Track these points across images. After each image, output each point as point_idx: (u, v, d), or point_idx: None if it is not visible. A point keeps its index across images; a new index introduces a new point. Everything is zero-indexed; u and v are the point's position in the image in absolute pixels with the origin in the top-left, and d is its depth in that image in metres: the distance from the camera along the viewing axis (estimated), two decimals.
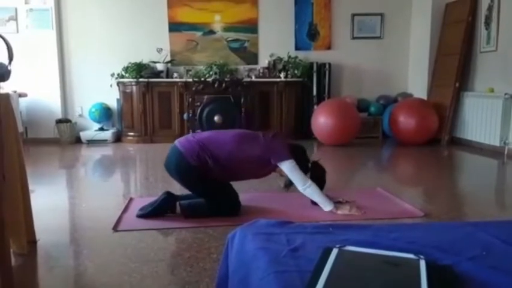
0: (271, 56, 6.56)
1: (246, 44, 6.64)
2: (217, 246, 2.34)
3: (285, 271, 1.15)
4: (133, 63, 6.21)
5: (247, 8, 6.57)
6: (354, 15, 6.71)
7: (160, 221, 2.75)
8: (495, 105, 5.21)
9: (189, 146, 2.75)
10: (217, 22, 6.57)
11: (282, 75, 6.32)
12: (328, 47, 6.75)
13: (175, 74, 6.35)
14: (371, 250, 1.21)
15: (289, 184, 2.96)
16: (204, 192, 2.85)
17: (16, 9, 6.17)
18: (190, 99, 6.06)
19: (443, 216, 2.87)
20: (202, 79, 6.12)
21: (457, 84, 5.81)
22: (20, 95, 5.96)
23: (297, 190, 2.89)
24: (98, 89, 6.43)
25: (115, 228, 2.65)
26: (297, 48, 6.66)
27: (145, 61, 6.33)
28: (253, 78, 6.35)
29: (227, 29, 6.59)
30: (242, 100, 6.06)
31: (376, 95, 6.77)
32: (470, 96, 5.73)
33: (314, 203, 2.94)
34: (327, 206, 2.85)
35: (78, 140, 6.35)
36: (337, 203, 2.95)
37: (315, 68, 6.48)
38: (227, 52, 6.61)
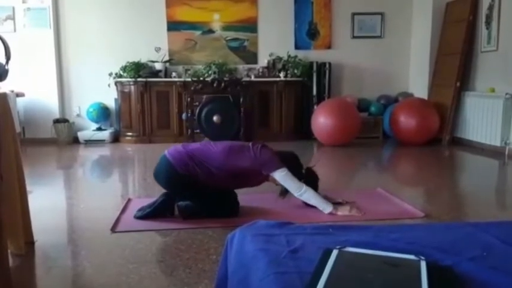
0: (270, 55, 6.54)
1: (246, 43, 6.63)
2: (216, 247, 2.33)
3: (285, 272, 1.14)
4: (131, 63, 6.19)
5: (246, 7, 6.56)
6: (354, 14, 6.70)
7: (158, 222, 2.73)
8: (496, 105, 5.20)
9: (179, 156, 2.73)
10: (216, 21, 6.56)
11: (282, 74, 6.31)
12: (328, 47, 6.74)
13: (173, 74, 6.33)
14: (371, 251, 1.21)
15: (284, 192, 2.95)
16: (197, 199, 2.81)
17: (13, 8, 6.15)
18: (188, 99, 6.04)
19: (444, 217, 2.86)
20: (201, 79, 6.11)
21: (458, 84, 5.80)
22: (18, 95, 5.95)
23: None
24: (96, 88, 6.42)
25: (113, 229, 2.64)
26: (296, 47, 6.65)
27: (143, 60, 6.32)
28: (253, 78, 6.34)
29: (226, 28, 6.57)
30: (241, 100, 6.05)
31: (377, 95, 6.76)
32: (471, 96, 5.71)
33: (311, 206, 2.91)
34: (326, 208, 2.83)
35: (75, 140, 6.33)
36: (337, 204, 2.94)
37: (314, 68, 6.47)
38: (226, 51, 6.60)
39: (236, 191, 2.93)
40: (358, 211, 2.87)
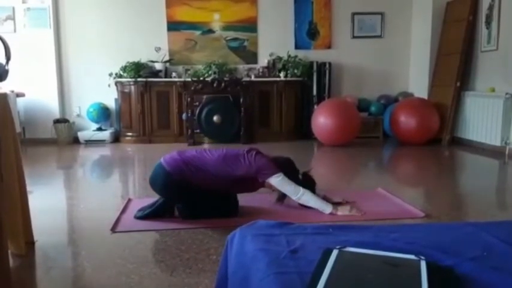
0: (270, 55, 6.54)
1: (246, 43, 6.63)
2: (216, 247, 2.32)
3: (285, 272, 1.14)
4: (131, 63, 6.19)
5: (246, 7, 6.56)
6: (354, 14, 6.70)
7: (158, 222, 2.73)
8: (496, 105, 5.20)
9: (175, 163, 2.72)
10: (216, 21, 6.56)
11: (282, 74, 6.31)
12: (328, 46, 6.74)
13: (173, 74, 6.33)
14: (371, 251, 1.21)
15: (281, 197, 2.96)
16: (195, 201, 2.80)
17: (13, 9, 6.16)
18: (189, 99, 6.04)
19: (444, 217, 2.86)
20: (201, 79, 6.11)
21: (458, 84, 5.80)
22: (18, 95, 5.95)
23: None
24: (96, 88, 6.42)
25: (113, 229, 2.64)
26: (296, 47, 6.65)
27: (143, 60, 6.32)
28: (253, 78, 6.33)
29: (226, 28, 6.57)
30: (241, 100, 6.05)
31: (377, 95, 6.75)
32: (471, 96, 5.71)
33: (309, 207, 2.90)
34: (326, 209, 2.83)
35: (76, 140, 6.34)
36: (337, 204, 2.94)
37: (314, 68, 6.47)
38: (226, 51, 6.60)
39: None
40: (358, 211, 2.87)
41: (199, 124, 6.08)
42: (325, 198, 2.97)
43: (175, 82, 6.21)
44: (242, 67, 6.61)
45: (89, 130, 6.40)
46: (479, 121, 5.51)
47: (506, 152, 5.00)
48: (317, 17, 6.68)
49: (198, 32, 6.55)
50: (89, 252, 2.33)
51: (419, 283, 1.03)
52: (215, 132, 6.13)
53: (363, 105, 6.50)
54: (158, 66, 6.33)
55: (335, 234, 1.43)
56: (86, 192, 3.77)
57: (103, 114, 6.40)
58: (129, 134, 6.33)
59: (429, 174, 4.52)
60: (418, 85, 6.58)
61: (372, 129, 6.47)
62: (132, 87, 6.21)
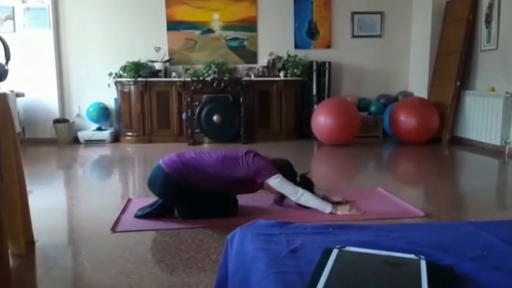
0: (270, 54, 6.54)
1: (245, 43, 6.63)
2: (216, 246, 2.33)
3: (285, 272, 1.14)
4: (131, 63, 6.19)
5: (246, 7, 6.56)
6: (353, 13, 6.69)
7: (158, 222, 2.73)
8: (496, 104, 5.20)
9: (174, 165, 2.72)
10: (216, 21, 6.55)
11: (282, 74, 6.31)
12: (328, 46, 6.74)
13: (173, 73, 6.33)
14: (371, 250, 1.21)
15: (280, 199, 2.96)
16: (194, 202, 2.81)
17: (13, 8, 6.16)
18: (188, 99, 6.04)
19: (444, 216, 2.86)
20: (201, 78, 6.11)
21: (458, 83, 5.80)
22: (17, 95, 5.95)
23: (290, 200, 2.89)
24: (96, 88, 6.42)
25: (113, 229, 2.64)
26: (296, 46, 6.64)
27: (143, 60, 6.32)
28: (253, 77, 6.33)
29: (226, 27, 6.57)
30: (241, 99, 6.05)
31: (377, 94, 6.75)
32: (471, 95, 5.71)
33: (307, 207, 2.91)
34: (325, 209, 2.83)
35: (76, 140, 6.34)
36: (337, 203, 2.94)
37: (314, 67, 6.46)
38: (226, 51, 6.60)
39: None
40: (358, 210, 2.87)
41: (199, 124, 6.08)
42: (325, 198, 2.97)
43: (175, 82, 6.21)
44: (242, 67, 6.61)
45: (89, 130, 6.40)
46: (479, 120, 5.51)
47: (506, 152, 5.01)
48: (317, 17, 6.68)
49: (197, 32, 6.54)
50: (89, 252, 2.33)
51: (419, 282, 1.03)
52: (215, 132, 6.13)
53: (362, 105, 6.50)
54: (158, 66, 6.33)
55: (335, 233, 1.43)
56: (86, 192, 3.77)
57: (103, 114, 6.40)
58: (129, 133, 6.33)
59: (429, 173, 4.52)
60: (418, 84, 6.58)
61: (371, 129, 6.46)
62: (132, 87, 6.21)
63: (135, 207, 2.98)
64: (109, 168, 4.96)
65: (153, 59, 6.35)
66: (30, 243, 2.39)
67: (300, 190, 2.81)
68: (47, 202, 3.29)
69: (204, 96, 6.09)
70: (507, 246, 1.31)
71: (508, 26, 5.20)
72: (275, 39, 6.60)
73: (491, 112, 5.28)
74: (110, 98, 6.46)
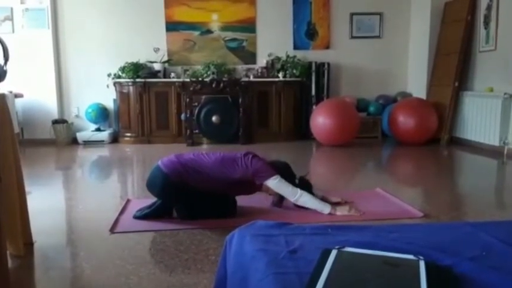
0: (269, 55, 6.54)
1: (244, 44, 6.63)
2: (215, 247, 2.32)
3: (284, 273, 1.14)
4: (130, 63, 6.19)
5: (245, 7, 6.56)
6: (352, 14, 6.70)
7: (157, 223, 2.73)
8: (494, 105, 5.20)
9: (172, 166, 2.73)
10: (214, 21, 6.55)
11: (281, 74, 6.31)
12: (327, 47, 6.74)
13: (172, 74, 6.33)
14: (370, 251, 1.21)
15: (278, 201, 2.96)
16: (193, 203, 2.81)
17: (12, 9, 6.15)
18: (187, 100, 6.04)
19: (443, 217, 2.86)
20: (200, 79, 6.11)
21: (457, 84, 5.81)
22: (16, 96, 5.94)
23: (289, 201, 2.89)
24: (95, 89, 6.42)
25: (112, 230, 2.64)
26: (295, 47, 6.65)
27: (142, 61, 6.32)
28: (252, 78, 6.33)
29: (225, 28, 6.57)
30: (240, 100, 6.05)
31: (375, 95, 6.76)
32: (469, 96, 5.72)
33: (305, 208, 2.91)
34: (324, 209, 2.83)
35: (74, 141, 6.33)
36: (336, 204, 2.94)
37: (313, 68, 6.47)
38: (225, 52, 6.60)
39: None
40: (357, 211, 2.87)
41: (198, 124, 6.08)
42: (324, 199, 2.97)
43: (174, 82, 6.21)
44: (241, 67, 6.61)
45: (88, 131, 6.39)
46: (478, 121, 5.51)
47: (505, 152, 5.00)
48: (315, 18, 6.68)
49: (196, 33, 6.54)
50: (87, 253, 2.33)
51: (418, 283, 1.03)
52: (214, 133, 6.13)
53: (361, 105, 6.50)
54: (157, 66, 6.32)
55: (334, 234, 1.43)
56: (85, 193, 3.77)
57: (102, 114, 6.40)
58: (128, 134, 6.32)
59: (428, 174, 4.52)
60: (417, 85, 6.58)
61: (370, 129, 6.47)
62: (131, 87, 6.21)
63: (134, 208, 2.98)
64: (108, 169, 4.96)
65: (152, 59, 6.35)
66: (29, 244, 2.39)
67: (299, 191, 2.81)
68: (45, 203, 3.28)
69: (203, 97, 6.08)
70: (506, 247, 1.31)
71: (507, 26, 5.21)
72: (274, 40, 6.60)
73: (490, 113, 5.28)
74: (108, 98, 6.45)
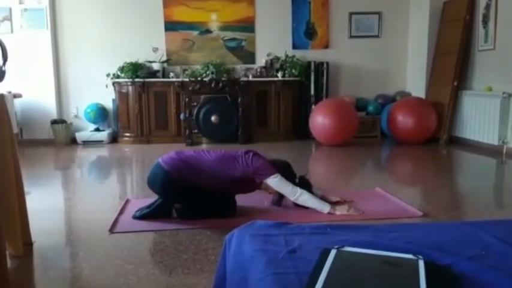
0: (268, 55, 6.54)
1: (243, 43, 6.62)
2: (214, 247, 2.32)
3: (283, 273, 1.14)
4: (128, 63, 6.18)
5: (244, 7, 6.55)
6: (351, 13, 6.70)
7: (157, 223, 2.73)
8: (493, 104, 5.21)
9: (173, 163, 2.73)
10: (213, 21, 6.55)
11: (280, 74, 6.31)
12: (326, 46, 6.74)
13: (171, 74, 6.32)
14: (369, 251, 1.21)
15: (278, 200, 2.96)
16: (193, 201, 2.81)
17: (10, 9, 6.14)
18: (186, 99, 6.03)
19: (442, 216, 2.86)
20: (199, 79, 6.10)
21: (455, 83, 5.81)
22: (15, 96, 5.93)
23: (288, 201, 2.89)
24: (94, 89, 6.41)
25: (111, 230, 2.64)
26: (294, 47, 6.64)
27: (141, 61, 6.31)
28: (251, 78, 6.33)
29: (224, 28, 6.57)
30: (239, 100, 6.05)
31: (374, 94, 6.76)
32: (468, 95, 5.72)
33: (301, 207, 2.91)
34: (324, 209, 2.83)
35: (73, 141, 6.32)
36: (336, 203, 2.94)
37: (312, 67, 6.47)
38: (224, 51, 6.59)
39: None
40: (357, 210, 2.88)
41: (197, 124, 6.08)
42: (323, 198, 2.97)
43: (173, 82, 6.20)
44: (240, 67, 6.61)
45: (87, 131, 6.39)
46: (477, 120, 5.52)
47: (504, 151, 5.01)
48: (314, 17, 6.68)
49: (195, 32, 6.54)
50: (87, 253, 2.32)
51: (417, 282, 1.04)
52: (213, 133, 6.13)
53: (360, 105, 6.50)
54: (156, 66, 6.32)
55: (333, 234, 1.43)
56: (84, 193, 3.76)
57: (101, 114, 6.39)
58: (127, 134, 6.32)
59: (427, 173, 4.52)
60: (416, 84, 6.58)
61: (369, 129, 6.47)
62: (130, 87, 6.20)
63: (133, 208, 2.97)
64: (107, 169, 4.95)
65: (151, 59, 6.35)
66: (28, 244, 2.38)
67: (299, 190, 2.81)
68: (44, 203, 3.28)
69: (202, 97, 6.08)
70: (505, 246, 1.31)
71: (505, 26, 5.21)
72: (273, 40, 6.60)
73: (489, 112, 5.29)
74: (107, 98, 6.44)
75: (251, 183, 2.84)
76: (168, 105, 6.24)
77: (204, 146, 6.02)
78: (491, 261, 1.21)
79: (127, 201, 3.23)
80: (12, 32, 6.14)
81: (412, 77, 6.74)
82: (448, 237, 1.40)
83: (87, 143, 6.24)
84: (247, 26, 6.59)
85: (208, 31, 6.56)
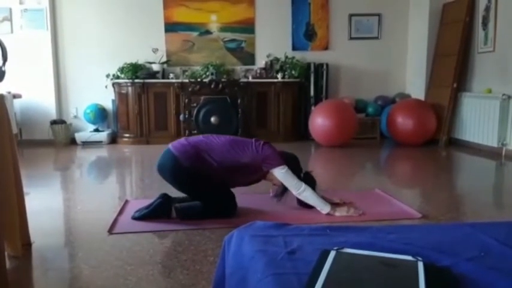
0: (268, 56, 6.55)
1: (243, 44, 6.63)
2: (214, 248, 2.32)
3: (283, 274, 1.14)
4: (128, 64, 6.19)
5: (243, 8, 6.56)
6: (351, 15, 6.71)
7: (156, 223, 2.73)
8: (493, 106, 5.21)
9: (183, 149, 2.77)
10: (213, 22, 6.56)
11: (279, 75, 6.31)
12: (326, 48, 6.75)
13: (171, 75, 6.33)
14: (369, 252, 1.21)
15: (281, 194, 2.96)
16: (198, 194, 2.84)
17: (10, 10, 6.14)
18: (186, 100, 6.04)
19: (441, 218, 2.86)
20: (199, 80, 6.11)
21: (455, 85, 5.81)
22: (15, 96, 5.93)
23: (291, 196, 2.89)
24: (93, 89, 6.41)
25: (110, 230, 2.63)
26: (294, 48, 6.65)
27: (140, 61, 6.32)
28: (250, 79, 6.33)
29: (224, 29, 6.57)
30: (239, 101, 6.05)
31: (374, 96, 6.76)
32: (468, 97, 5.73)
33: (305, 206, 2.92)
34: (324, 208, 2.84)
35: (73, 142, 6.32)
36: (335, 205, 2.94)
37: (312, 69, 6.47)
38: (224, 52, 6.60)
39: (234, 191, 2.93)
40: (356, 210, 2.88)
41: (197, 125, 6.08)
42: (324, 199, 2.97)
43: (172, 83, 6.20)
44: (239, 68, 6.61)
45: (86, 131, 6.39)
46: (476, 122, 5.52)
47: (503, 153, 5.02)
48: (314, 18, 6.69)
49: (195, 33, 6.54)
50: (86, 253, 2.32)
51: (416, 284, 1.03)
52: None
53: (360, 106, 6.51)
54: (155, 67, 6.32)
55: (332, 235, 1.43)
56: (83, 194, 3.76)
57: (100, 115, 6.39)
58: (126, 135, 6.32)
59: (426, 175, 4.53)
60: (415, 86, 6.59)
61: (369, 130, 6.48)
62: (130, 88, 6.20)
63: (132, 208, 2.97)
64: (106, 170, 4.95)
65: (151, 60, 6.35)
66: (27, 244, 2.38)
67: (303, 185, 2.82)
68: (44, 204, 3.28)
69: (202, 98, 6.08)
70: (504, 248, 1.31)
71: (505, 28, 5.22)
72: (273, 41, 6.60)
73: (488, 114, 5.29)
74: (107, 99, 6.44)
75: (257, 172, 2.85)
76: (168, 106, 6.24)
77: None
78: (491, 263, 1.21)
79: (126, 201, 3.23)
80: (12, 32, 6.14)
81: (412, 79, 6.75)
82: (447, 239, 1.40)
83: (86, 144, 6.24)
84: (247, 27, 6.60)
85: (208, 32, 6.57)
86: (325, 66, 6.49)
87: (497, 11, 5.33)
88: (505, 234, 1.42)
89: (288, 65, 6.38)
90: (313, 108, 6.20)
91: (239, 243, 1.40)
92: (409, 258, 1.17)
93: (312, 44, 6.73)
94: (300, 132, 6.46)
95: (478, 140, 5.49)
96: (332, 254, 1.17)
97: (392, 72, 6.88)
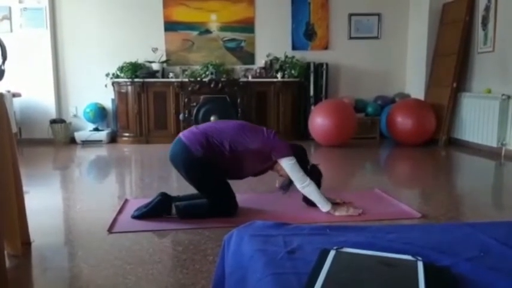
0: (268, 56, 6.55)
1: (243, 44, 6.63)
2: (213, 247, 2.32)
3: (282, 273, 1.14)
4: (128, 63, 6.19)
5: (243, 8, 6.56)
6: (351, 15, 6.71)
7: (155, 223, 2.73)
8: (492, 106, 5.21)
9: (194, 138, 2.79)
10: (213, 21, 6.55)
11: (279, 75, 6.31)
12: (325, 47, 6.75)
13: (171, 74, 6.32)
14: (368, 252, 1.21)
15: (286, 186, 2.96)
16: (205, 187, 2.84)
17: (10, 8, 6.14)
18: (186, 100, 6.03)
19: (441, 217, 2.86)
20: (198, 79, 6.11)
21: (455, 85, 5.82)
22: (14, 95, 5.93)
23: (295, 190, 2.89)
24: (93, 89, 6.41)
25: (110, 229, 2.63)
26: (293, 48, 6.65)
27: (140, 61, 6.31)
28: (250, 78, 6.33)
29: (223, 28, 6.57)
30: (238, 100, 6.05)
31: (374, 95, 6.77)
32: (467, 97, 5.73)
33: (310, 204, 2.92)
34: (324, 206, 2.84)
35: (72, 141, 6.32)
36: (335, 204, 2.94)
37: (312, 68, 6.47)
38: (223, 52, 6.60)
39: (235, 190, 2.93)
40: (356, 210, 2.88)
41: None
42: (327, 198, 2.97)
43: (172, 82, 6.20)
44: (239, 68, 6.61)
45: (86, 130, 6.38)
46: (476, 122, 5.53)
47: (503, 153, 5.02)
48: (314, 18, 6.69)
49: (195, 33, 6.54)
50: (85, 252, 2.32)
51: (416, 283, 1.04)
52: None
53: (359, 106, 6.51)
54: (155, 66, 6.32)
55: (332, 234, 1.43)
56: (83, 193, 3.75)
57: (100, 114, 6.39)
58: (126, 134, 6.31)
59: (426, 175, 4.53)
60: (415, 86, 6.59)
61: (368, 130, 6.48)
62: (129, 87, 6.20)
63: (132, 208, 2.97)
64: (106, 169, 4.95)
65: (151, 59, 6.35)
66: (27, 243, 2.38)
67: (308, 180, 2.82)
68: (43, 203, 3.27)
69: (202, 97, 6.08)
70: (504, 247, 1.32)
71: (505, 28, 5.22)
72: (272, 41, 6.60)
73: (488, 114, 5.29)
74: (107, 98, 6.44)
75: (266, 161, 2.85)
76: (168, 106, 6.24)
77: None
78: (490, 263, 1.21)
79: (126, 201, 3.23)
80: (11, 31, 6.14)
81: (412, 79, 6.75)
82: (447, 239, 1.40)
83: (86, 143, 6.24)
84: (247, 26, 6.59)
85: (208, 31, 6.56)
86: (324, 66, 6.49)
87: (497, 11, 5.33)
88: (504, 234, 1.42)
89: (287, 65, 6.38)
90: (312, 107, 6.20)
91: (239, 242, 1.40)
92: (409, 258, 1.17)
93: (311, 43, 6.73)
94: (300, 131, 6.46)
95: (478, 140, 5.49)
96: (332, 253, 1.17)
97: (392, 72, 6.88)
